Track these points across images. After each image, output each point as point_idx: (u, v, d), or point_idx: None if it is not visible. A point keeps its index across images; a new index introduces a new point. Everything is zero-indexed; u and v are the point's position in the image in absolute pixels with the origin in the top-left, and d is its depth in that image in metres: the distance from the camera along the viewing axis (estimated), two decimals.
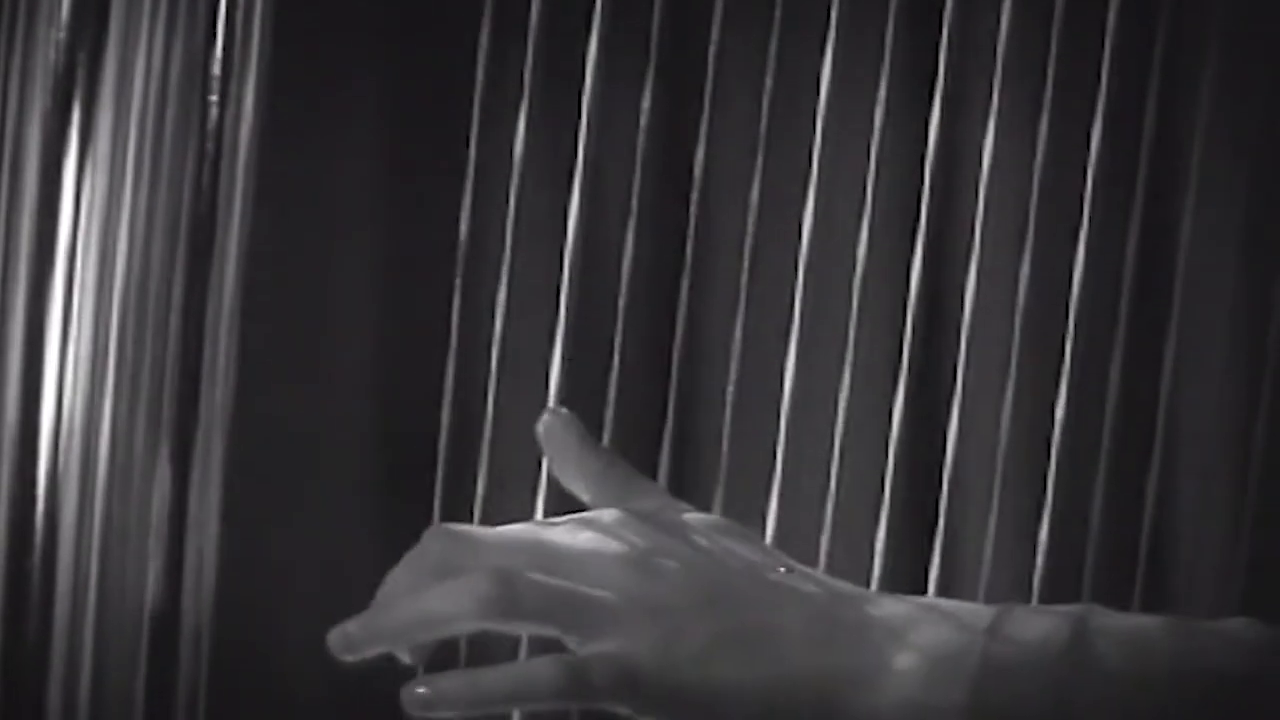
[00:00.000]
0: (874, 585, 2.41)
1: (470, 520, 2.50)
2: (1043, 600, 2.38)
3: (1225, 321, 2.24)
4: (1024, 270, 2.31)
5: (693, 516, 0.96)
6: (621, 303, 2.44)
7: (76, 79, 2.68)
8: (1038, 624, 0.92)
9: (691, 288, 2.44)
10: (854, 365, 2.48)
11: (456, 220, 2.49)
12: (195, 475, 2.54)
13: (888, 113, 2.35)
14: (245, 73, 2.59)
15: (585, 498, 0.99)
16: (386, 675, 2.55)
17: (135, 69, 2.64)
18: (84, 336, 2.59)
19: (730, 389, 2.41)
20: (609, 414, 2.43)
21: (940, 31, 2.38)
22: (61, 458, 2.58)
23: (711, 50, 2.41)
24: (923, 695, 0.92)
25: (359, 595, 2.59)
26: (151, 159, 2.66)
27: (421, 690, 0.97)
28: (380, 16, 2.54)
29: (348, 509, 2.50)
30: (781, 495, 2.40)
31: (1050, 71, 2.29)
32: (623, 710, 0.98)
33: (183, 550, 2.46)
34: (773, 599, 0.94)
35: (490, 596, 0.94)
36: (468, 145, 2.50)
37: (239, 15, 2.63)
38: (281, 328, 2.51)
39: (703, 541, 0.98)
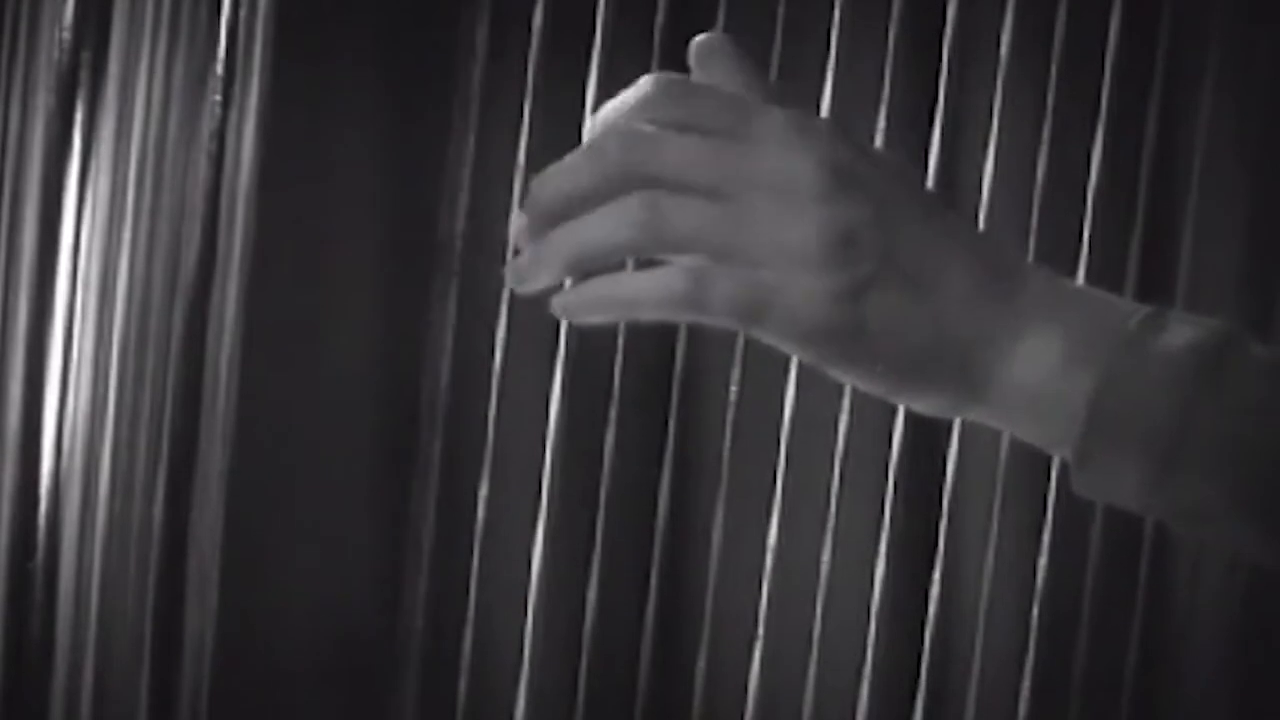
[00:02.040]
0: (874, 608, 2.42)
1: (472, 527, 2.51)
2: (1041, 621, 2.39)
3: None
4: None
5: (873, 149, 0.93)
6: (622, 325, 2.44)
7: (80, 79, 2.68)
8: (1182, 334, 0.91)
9: None
10: (854, 388, 2.48)
11: (457, 232, 2.49)
12: (197, 481, 2.54)
13: (887, 143, 2.35)
14: (249, 73, 2.59)
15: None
16: (387, 676, 2.56)
17: (139, 69, 2.64)
18: (87, 340, 2.59)
19: (730, 412, 2.42)
20: (609, 436, 2.44)
21: (940, 62, 2.37)
22: (65, 460, 2.58)
23: None
24: (1050, 377, 0.93)
25: (357, 599, 2.60)
26: (155, 160, 2.66)
27: (564, 300, 0.98)
28: (382, 21, 2.54)
29: (347, 516, 2.51)
30: (782, 518, 2.41)
31: (1050, 96, 2.29)
32: (752, 333, 0.97)
33: (185, 555, 2.47)
34: (942, 254, 0.92)
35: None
36: (469, 152, 2.51)
37: (242, 16, 2.63)
38: (282, 335, 2.51)
39: (887, 176, 0.96)
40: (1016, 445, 2.37)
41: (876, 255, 0.92)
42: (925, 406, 0.96)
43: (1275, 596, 2.39)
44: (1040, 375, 0.92)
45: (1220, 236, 2.27)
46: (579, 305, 0.96)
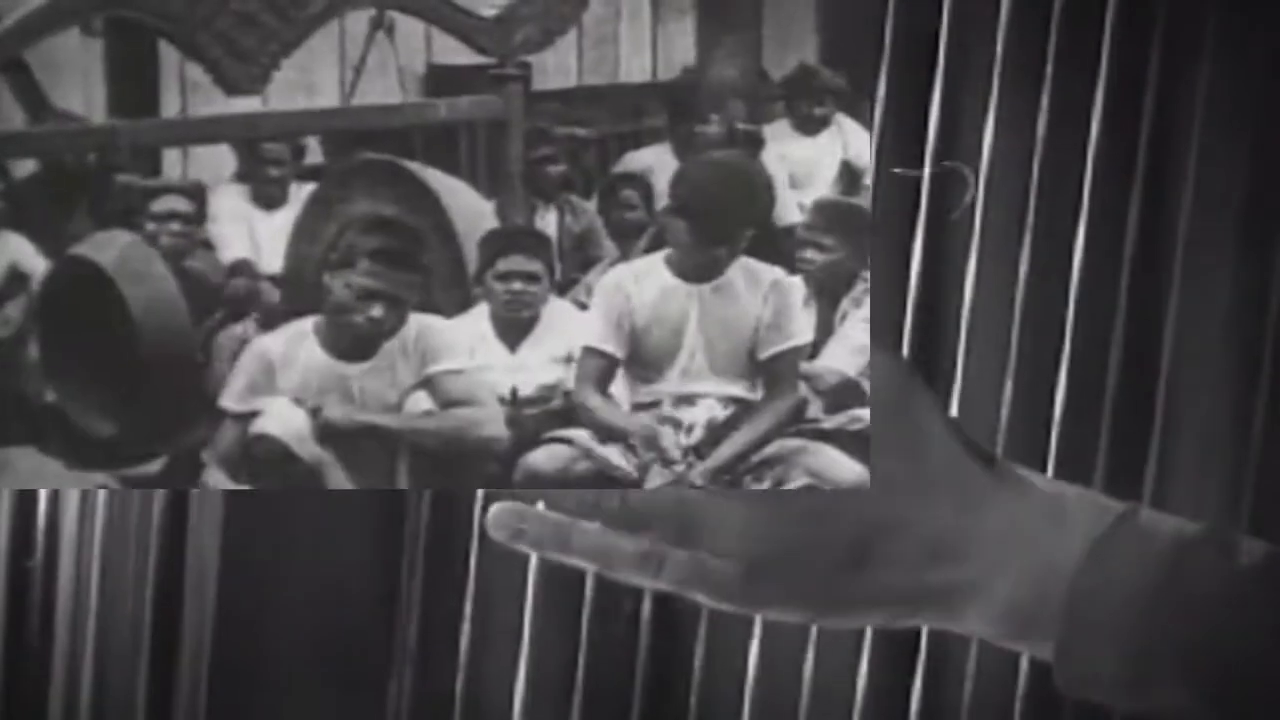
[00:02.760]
0: None
1: (466, 558, 2.51)
2: None
3: (1220, 333, 2.25)
4: (1019, 289, 2.33)
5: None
6: None
7: None
8: (1144, 548, 0.93)
9: None
10: None
11: None
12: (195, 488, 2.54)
13: (883, 142, 2.36)
14: None
15: None
16: (385, 683, 2.55)
17: None
18: None
19: None
20: None
21: (937, 62, 2.39)
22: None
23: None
24: (1013, 612, 0.95)
25: (356, 604, 2.59)
26: None
27: (508, 518, 0.99)
28: None
29: (346, 520, 2.50)
30: None
31: (1048, 81, 2.30)
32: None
33: (184, 556, 2.46)
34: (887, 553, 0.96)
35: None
36: None
37: None
38: None
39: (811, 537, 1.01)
40: (1014, 443, 2.38)
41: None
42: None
43: None
44: (1002, 619, 0.96)
45: (1217, 233, 2.28)
46: (526, 539, 1.02)
